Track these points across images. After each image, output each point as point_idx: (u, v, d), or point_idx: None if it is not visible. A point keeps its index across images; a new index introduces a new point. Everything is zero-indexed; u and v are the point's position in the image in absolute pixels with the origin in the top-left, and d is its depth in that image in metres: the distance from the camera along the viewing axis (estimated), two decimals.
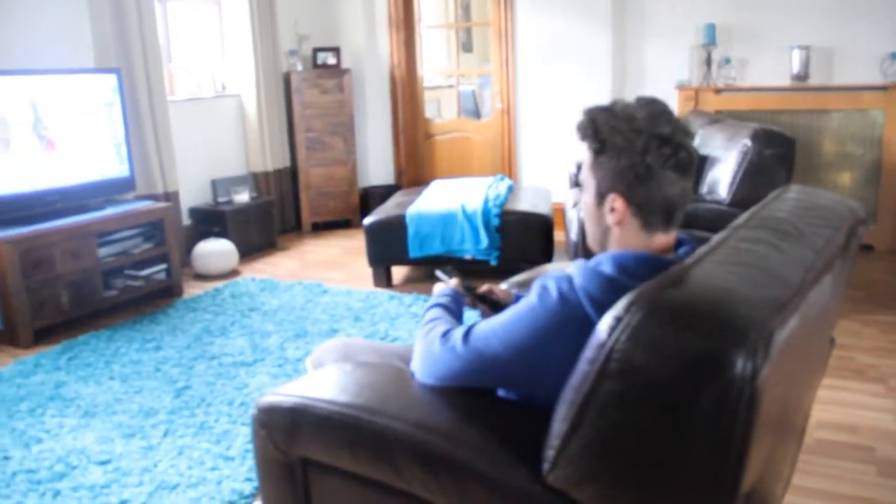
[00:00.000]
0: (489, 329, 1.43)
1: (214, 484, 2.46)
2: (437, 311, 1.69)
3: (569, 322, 1.32)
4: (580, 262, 1.40)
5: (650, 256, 1.37)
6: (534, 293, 1.39)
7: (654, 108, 1.39)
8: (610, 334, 1.12)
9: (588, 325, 1.23)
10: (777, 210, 1.55)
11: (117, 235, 4.32)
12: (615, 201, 1.39)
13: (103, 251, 4.22)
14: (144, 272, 4.42)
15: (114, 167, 4.48)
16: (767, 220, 1.49)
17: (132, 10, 4.72)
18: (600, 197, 1.42)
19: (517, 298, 1.74)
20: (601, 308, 1.23)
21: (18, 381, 3.35)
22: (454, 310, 1.74)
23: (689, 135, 1.39)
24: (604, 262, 1.36)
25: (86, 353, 3.66)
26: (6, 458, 2.68)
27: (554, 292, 1.35)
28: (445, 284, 1.86)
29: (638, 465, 1.14)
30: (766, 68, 5.22)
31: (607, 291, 1.29)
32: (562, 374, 1.25)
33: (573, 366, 1.21)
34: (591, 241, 1.50)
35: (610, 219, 1.41)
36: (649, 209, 1.38)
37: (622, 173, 1.37)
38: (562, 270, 1.42)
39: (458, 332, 1.49)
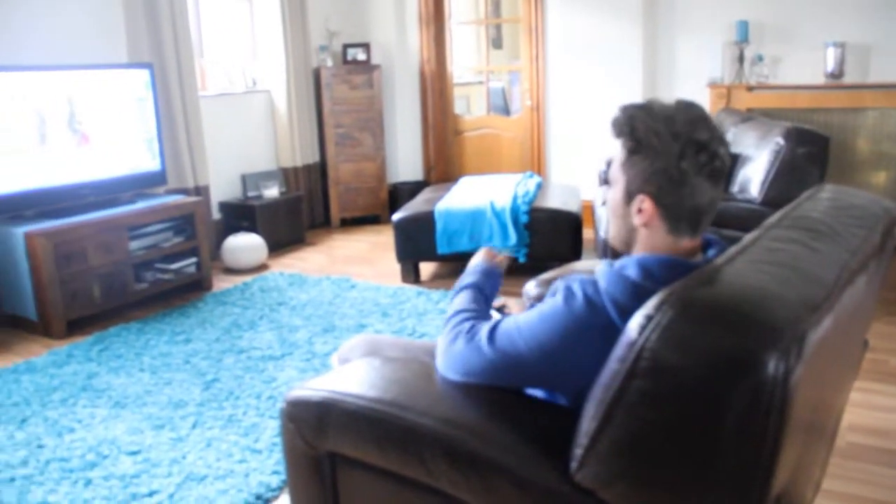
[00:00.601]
0: (514, 328, 1.43)
1: (242, 476, 2.48)
2: (465, 297, 1.69)
3: (593, 326, 1.32)
4: (605, 265, 1.38)
5: (676, 260, 1.35)
6: (559, 295, 1.38)
7: (693, 113, 1.36)
8: (640, 333, 1.11)
9: (613, 330, 1.22)
10: (811, 209, 1.53)
11: (148, 229, 4.37)
12: (643, 202, 1.37)
13: (134, 244, 4.27)
14: (174, 266, 4.46)
15: (146, 161, 4.54)
16: (801, 219, 1.47)
17: (165, 5, 4.76)
18: (629, 196, 1.40)
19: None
20: (626, 313, 1.22)
21: (52, 371, 3.40)
22: (485, 289, 1.75)
23: (725, 144, 1.37)
24: (629, 266, 1.35)
25: (117, 344, 3.72)
26: (40, 446, 2.73)
27: (579, 296, 1.34)
28: (481, 259, 1.86)
29: (667, 465, 1.14)
30: (800, 66, 5.14)
31: (632, 297, 1.28)
32: (586, 376, 1.25)
33: (598, 368, 1.20)
34: (615, 237, 1.48)
35: (637, 219, 1.39)
36: (677, 214, 1.36)
37: (654, 175, 1.35)
38: (588, 272, 1.41)
39: (484, 330, 1.48)
